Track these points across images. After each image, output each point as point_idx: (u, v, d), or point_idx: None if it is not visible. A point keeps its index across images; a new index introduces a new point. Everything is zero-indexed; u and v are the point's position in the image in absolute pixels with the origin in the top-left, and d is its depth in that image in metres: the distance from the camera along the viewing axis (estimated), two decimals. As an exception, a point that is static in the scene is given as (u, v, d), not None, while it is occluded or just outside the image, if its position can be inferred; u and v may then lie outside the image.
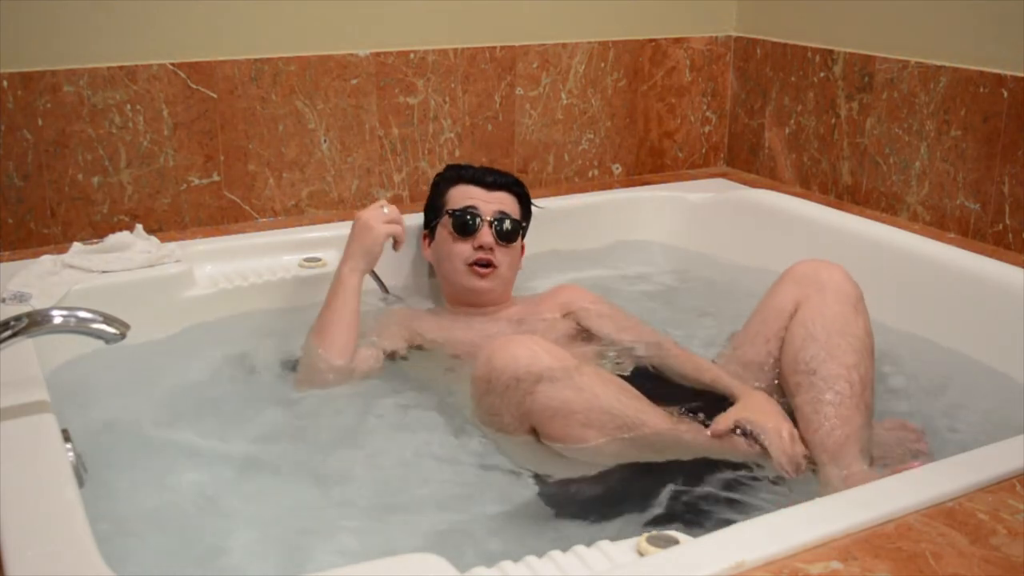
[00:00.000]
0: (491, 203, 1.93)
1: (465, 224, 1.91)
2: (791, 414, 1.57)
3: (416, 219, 2.16)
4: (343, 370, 1.77)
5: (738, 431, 1.50)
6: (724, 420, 1.52)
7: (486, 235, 1.90)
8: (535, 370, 1.43)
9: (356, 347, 1.80)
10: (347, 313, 1.81)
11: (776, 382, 1.67)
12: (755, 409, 1.54)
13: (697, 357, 1.79)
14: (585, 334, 1.91)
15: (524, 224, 1.99)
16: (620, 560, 1.09)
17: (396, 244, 1.95)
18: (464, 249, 1.91)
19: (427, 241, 2.03)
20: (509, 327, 1.90)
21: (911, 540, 1.12)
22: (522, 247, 2.02)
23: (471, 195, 1.94)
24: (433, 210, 2.01)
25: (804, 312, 1.63)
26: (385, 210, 1.90)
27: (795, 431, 1.52)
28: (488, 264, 1.90)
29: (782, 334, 1.66)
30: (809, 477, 1.49)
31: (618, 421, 1.45)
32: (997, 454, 1.31)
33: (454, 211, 1.92)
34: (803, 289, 1.65)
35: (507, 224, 1.92)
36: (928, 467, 1.32)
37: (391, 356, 1.85)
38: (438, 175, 2.06)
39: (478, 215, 1.91)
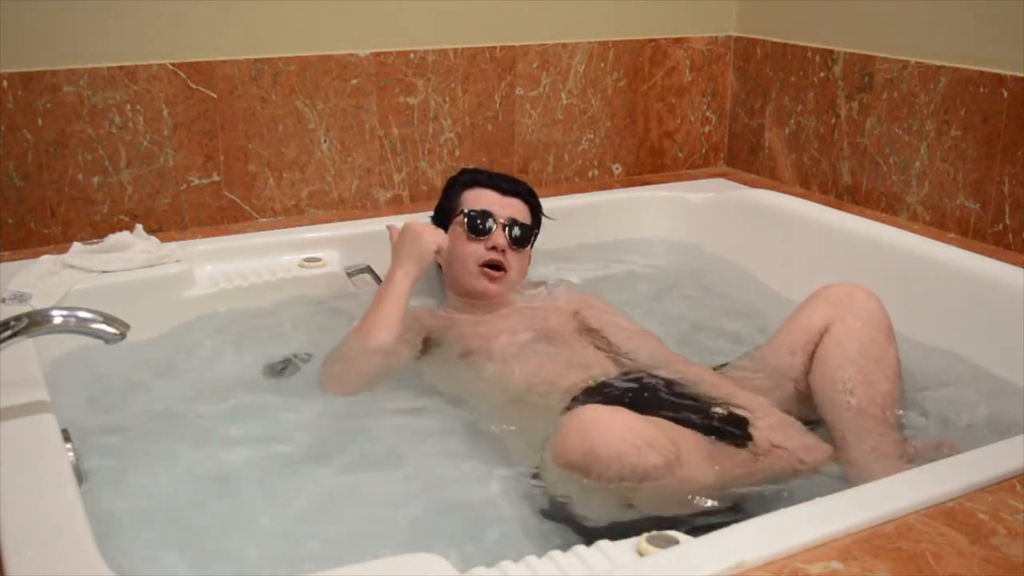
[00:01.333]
0: (505, 208, 1.96)
1: (479, 225, 1.92)
2: (806, 420, 1.63)
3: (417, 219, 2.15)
4: (383, 365, 1.80)
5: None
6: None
7: (499, 237, 1.92)
8: (640, 470, 1.36)
9: (397, 344, 1.82)
10: (395, 313, 1.82)
11: (796, 390, 1.68)
12: (771, 426, 1.58)
13: (698, 368, 1.79)
14: (591, 336, 1.91)
15: (535, 231, 2.01)
16: (620, 560, 1.09)
17: (440, 251, 1.94)
18: (477, 249, 1.92)
19: None
20: (517, 324, 1.90)
21: (911, 540, 1.12)
22: (529, 256, 2.02)
23: (486, 199, 1.97)
24: (447, 211, 2.01)
25: (839, 332, 1.64)
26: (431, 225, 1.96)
27: (812, 437, 1.59)
28: (499, 267, 1.92)
29: (810, 348, 1.67)
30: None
31: (707, 490, 1.46)
32: (997, 454, 1.31)
33: (470, 211, 1.94)
34: (836, 310, 1.67)
35: (520, 230, 1.95)
36: (928, 467, 1.32)
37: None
38: (453, 177, 2.07)
39: (493, 217, 1.93)
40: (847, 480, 1.52)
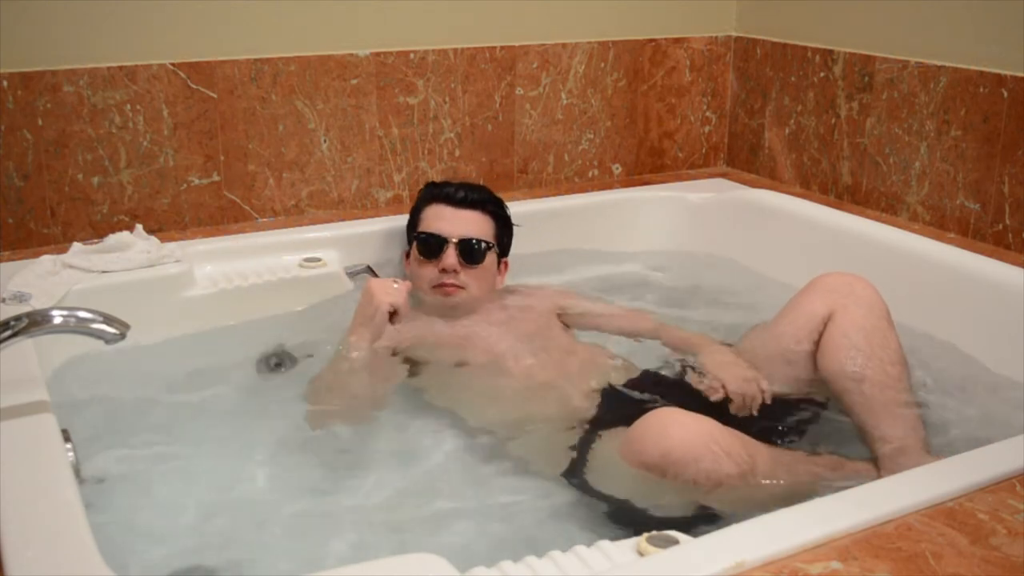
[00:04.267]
0: (458, 223, 1.90)
1: (429, 246, 1.89)
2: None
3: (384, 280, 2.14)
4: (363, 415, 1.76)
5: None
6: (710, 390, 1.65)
7: (450, 257, 1.86)
8: (715, 477, 1.37)
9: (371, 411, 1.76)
10: (345, 390, 1.76)
11: (802, 374, 1.70)
12: (718, 365, 1.69)
13: (666, 327, 1.91)
14: (576, 331, 1.94)
15: (492, 244, 1.93)
16: (620, 560, 1.09)
17: (394, 317, 1.79)
18: (429, 271, 1.88)
19: (406, 259, 2.02)
20: (497, 327, 1.90)
21: (911, 540, 1.12)
22: (505, 263, 2.00)
23: (440, 215, 1.92)
24: (411, 228, 1.99)
25: (842, 320, 1.66)
26: (396, 284, 1.81)
27: (756, 375, 1.67)
28: (453, 286, 1.87)
29: (815, 336, 1.68)
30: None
31: (775, 496, 1.46)
32: (997, 454, 1.31)
33: (419, 233, 1.91)
34: (836, 298, 1.68)
35: (473, 245, 1.89)
36: (928, 467, 1.32)
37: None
38: (419, 191, 2.04)
39: (442, 237, 1.88)
40: (875, 464, 1.54)
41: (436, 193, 1.97)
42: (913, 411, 1.61)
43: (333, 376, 1.76)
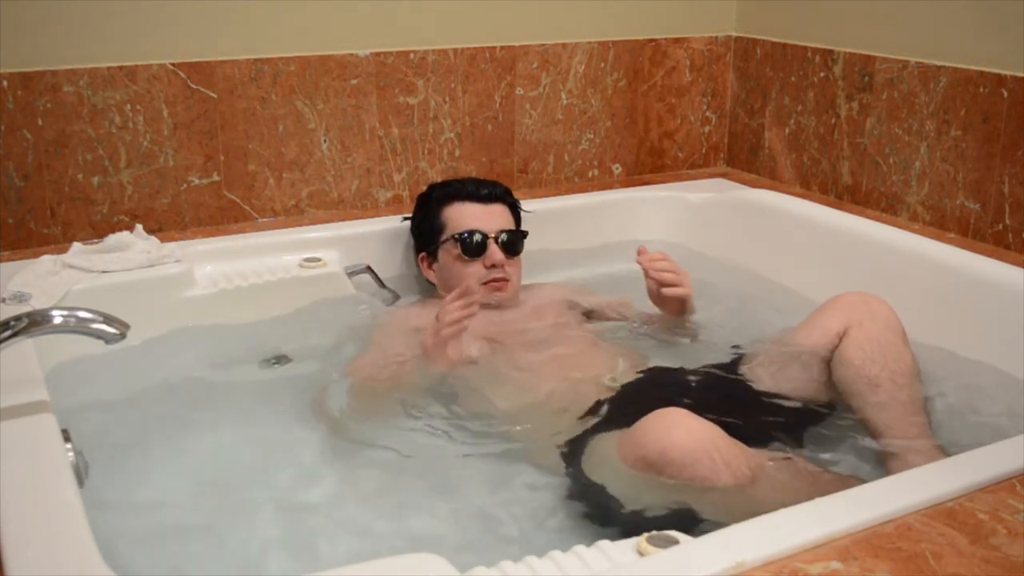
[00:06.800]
0: (492, 218, 1.95)
1: (473, 245, 1.91)
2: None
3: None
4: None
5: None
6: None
7: (496, 253, 1.92)
8: (708, 485, 1.35)
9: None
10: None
11: (817, 386, 1.70)
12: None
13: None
14: (589, 323, 1.98)
15: (525, 232, 2.00)
16: (620, 560, 1.09)
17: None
18: (476, 270, 1.92)
19: (427, 263, 2.03)
20: (521, 319, 1.91)
21: (911, 540, 1.12)
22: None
23: (470, 213, 1.95)
24: (430, 232, 2.00)
25: (858, 335, 1.66)
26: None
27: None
28: (503, 280, 1.92)
29: (829, 347, 1.69)
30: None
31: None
32: (997, 454, 1.31)
33: (460, 234, 1.93)
34: (853, 315, 1.69)
35: (511, 237, 1.94)
36: (928, 467, 1.32)
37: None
38: (423, 195, 2.06)
39: (483, 234, 1.92)
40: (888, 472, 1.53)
41: (455, 192, 1.99)
42: (924, 417, 1.61)
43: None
